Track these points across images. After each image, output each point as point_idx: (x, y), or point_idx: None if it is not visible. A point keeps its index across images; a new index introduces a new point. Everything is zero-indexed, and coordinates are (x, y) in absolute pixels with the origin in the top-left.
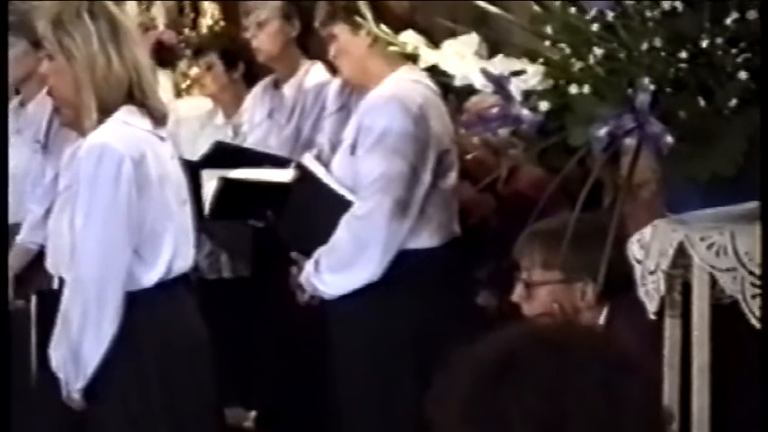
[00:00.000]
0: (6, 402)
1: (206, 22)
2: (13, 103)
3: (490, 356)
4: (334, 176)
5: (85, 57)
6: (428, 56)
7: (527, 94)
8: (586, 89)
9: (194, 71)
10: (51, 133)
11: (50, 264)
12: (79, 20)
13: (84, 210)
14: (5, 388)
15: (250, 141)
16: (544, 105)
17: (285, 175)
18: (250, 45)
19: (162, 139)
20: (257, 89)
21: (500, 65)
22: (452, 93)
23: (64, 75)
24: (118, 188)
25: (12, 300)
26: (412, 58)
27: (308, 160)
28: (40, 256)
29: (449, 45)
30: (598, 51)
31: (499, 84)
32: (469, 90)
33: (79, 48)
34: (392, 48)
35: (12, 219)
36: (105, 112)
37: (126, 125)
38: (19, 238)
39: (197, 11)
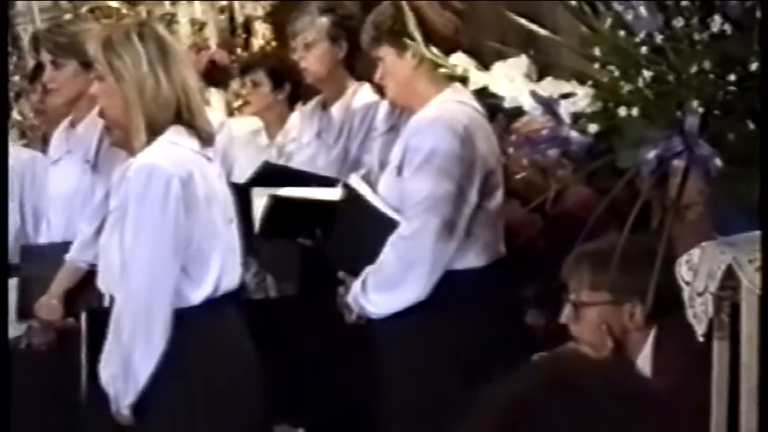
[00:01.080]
0: (6, 404)
1: (257, 43)
2: (64, 124)
3: (507, 401)
4: (380, 197)
5: (135, 78)
6: (478, 78)
7: (576, 117)
8: (635, 111)
9: (244, 89)
10: (101, 153)
11: (101, 281)
12: (129, 42)
13: (133, 228)
14: (5, 391)
15: (298, 161)
16: (593, 127)
17: (334, 194)
18: (298, 66)
19: (209, 159)
20: (305, 110)
21: (549, 87)
22: (501, 112)
23: (114, 96)
24: (166, 207)
25: (61, 317)
26: (461, 80)
27: (355, 181)
28: (89, 274)
29: (498, 67)
30: (647, 74)
31: (548, 106)
32: (518, 110)
33: (129, 69)
34: (442, 70)
35: (61, 237)
36: (154, 132)
37: (174, 145)
38: (68, 257)
39: (249, 31)
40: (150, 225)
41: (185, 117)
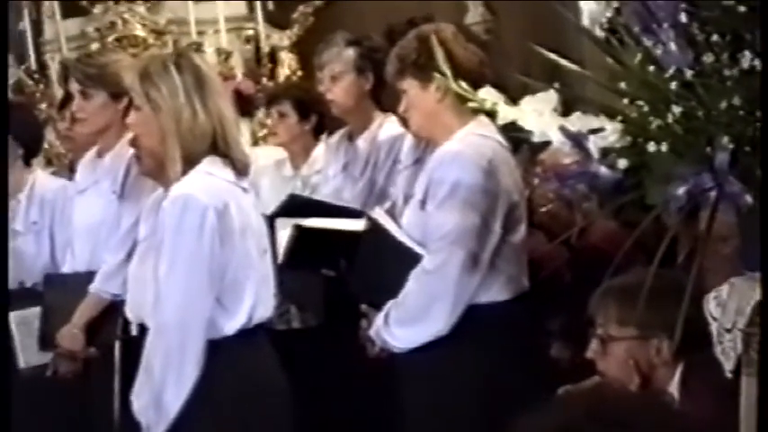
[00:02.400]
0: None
1: (283, 73)
2: (91, 154)
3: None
4: (404, 230)
5: (171, 108)
6: (507, 112)
7: (605, 152)
8: (664, 147)
9: (270, 119)
10: (128, 183)
11: (130, 310)
12: (166, 72)
13: (168, 259)
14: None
15: (325, 193)
16: (622, 163)
17: (358, 225)
18: (324, 98)
19: (244, 189)
20: (331, 142)
21: (578, 122)
22: (525, 143)
23: (150, 126)
24: (201, 238)
25: (83, 347)
26: (489, 115)
27: (379, 214)
28: (111, 304)
29: (527, 102)
30: (676, 110)
31: (578, 141)
32: (543, 142)
33: (165, 99)
34: (471, 104)
35: (85, 267)
36: (189, 162)
37: (209, 176)
38: (92, 287)
39: (274, 61)
40: (185, 256)
41: (221, 148)
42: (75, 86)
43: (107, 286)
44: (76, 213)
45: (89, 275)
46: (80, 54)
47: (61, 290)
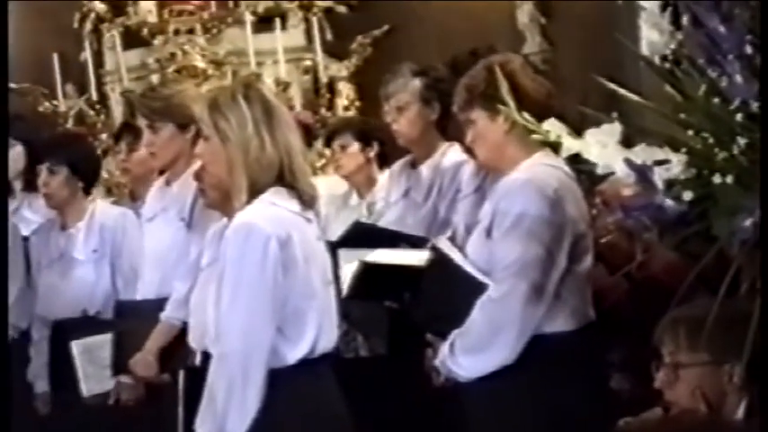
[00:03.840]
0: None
1: (341, 103)
2: (159, 182)
3: None
4: (469, 259)
5: (240, 139)
6: (571, 144)
7: (669, 183)
8: (730, 179)
9: (330, 150)
10: (196, 211)
11: (192, 339)
12: (235, 104)
13: (231, 288)
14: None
15: (387, 220)
16: (687, 195)
17: (421, 258)
18: (384, 126)
19: (308, 220)
20: (394, 168)
21: (642, 153)
22: (584, 174)
23: (218, 156)
24: (264, 267)
25: (156, 374)
26: (554, 146)
27: (444, 243)
28: (182, 332)
29: (591, 134)
30: (742, 141)
31: (643, 173)
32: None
33: (234, 130)
34: (535, 136)
35: (155, 294)
36: (255, 193)
37: (273, 206)
38: (164, 315)
39: (333, 91)
40: (248, 285)
41: (287, 179)
42: (142, 121)
43: (177, 313)
44: (146, 241)
45: (160, 302)
46: (144, 89)
47: (132, 317)
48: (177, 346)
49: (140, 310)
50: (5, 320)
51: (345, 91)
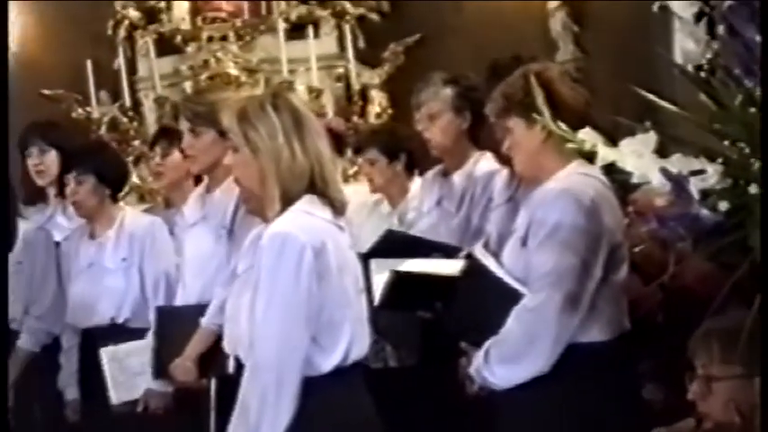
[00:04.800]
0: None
1: (374, 110)
2: (200, 190)
3: None
4: (504, 268)
5: (270, 149)
6: (606, 154)
7: (705, 193)
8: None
9: (360, 163)
10: (237, 219)
11: (227, 344)
12: (264, 113)
13: (265, 298)
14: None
15: (419, 229)
16: (723, 205)
17: (455, 267)
18: (411, 133)
19: (341, 228)
20: (427, 177)
21: (678, 163)
22: (616, 183)
23: (249, 166)
24: (299, 277)
25: (196, 379)
26: (589, 156)
27: (479, 251)
28: (221, 337)
29: (627, 143)
30: None
31: (679, 183)
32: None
33: (264, 140)
34: (570, 145)
35: (195, 299)
36: (288, 201)
37: (307, 215)
38: (204, 321)
39: (365, 99)
40: (282, 295)
41: (319, 186)
42: (184, 125)
43: (218, 319)
44: (187, 247)
45: (200, 308)
46: (188, 94)
47: (173, 322)
48: (216, 351)
49: (182, 315)
50: (5, 320)
51: (378, 98)
